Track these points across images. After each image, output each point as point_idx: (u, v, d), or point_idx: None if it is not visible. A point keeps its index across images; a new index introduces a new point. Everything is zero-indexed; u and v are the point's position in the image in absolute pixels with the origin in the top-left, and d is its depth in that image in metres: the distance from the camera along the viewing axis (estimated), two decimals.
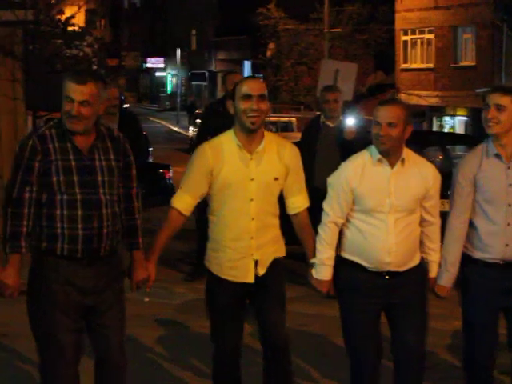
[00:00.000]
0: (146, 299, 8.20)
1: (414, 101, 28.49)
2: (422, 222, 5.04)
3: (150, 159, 15.20)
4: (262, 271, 5.04)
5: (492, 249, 4.97)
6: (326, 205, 5.03)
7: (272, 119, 24.88)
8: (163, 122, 40.33)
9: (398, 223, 4.96)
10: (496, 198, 4.96)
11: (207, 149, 5.15)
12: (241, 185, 5.03)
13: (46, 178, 4.75)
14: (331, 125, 8.80)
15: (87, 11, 17.21)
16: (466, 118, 27.82)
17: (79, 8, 17.06)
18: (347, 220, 5.04)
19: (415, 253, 5.03)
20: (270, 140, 5.14)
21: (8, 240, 4.80)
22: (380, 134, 4.83)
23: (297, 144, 7.18)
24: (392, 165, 4.90)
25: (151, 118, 41.44)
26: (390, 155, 4.90)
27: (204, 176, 5.07)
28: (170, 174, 15.40)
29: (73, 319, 4.92)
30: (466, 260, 5.04)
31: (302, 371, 6.30)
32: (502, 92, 4.95)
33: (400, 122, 4.90)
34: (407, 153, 4.96)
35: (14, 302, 5.27)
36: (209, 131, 8.84)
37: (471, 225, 5.01)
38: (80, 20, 15.33)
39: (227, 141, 5.03)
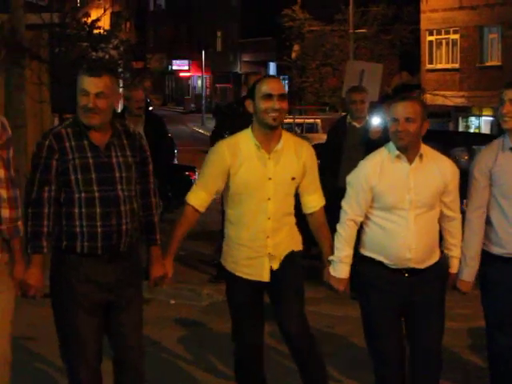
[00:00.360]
0: (172, 301, 8.23)
1: (439, 101, 28.51)
2: (443, 217, 5.05)
3: (176, 161, 15.21)
4: (276, 266, 5.11)
5: (509, 244, 5.00)
6: (344, 203, 5.05)
7: (298, 121, 25.14)
8: (188, 124, 40.28)
9: (418, 219, 4.95)
10: (510, 191, 5.04)
11: (225, 147, 5.15)
12: (258, 184, 5.05)
13: (64, 177, 4.75)
14: (357, 125, 8.81)
15: (113, 14, 17.29)
16: (491, 119, 27.23)
17: (105, 11, 17.31)
18: (367, 217, 5.05)
19: (435, 249, 5.03)
20: (287, 139, 5.13)
21: (30, 240, 4.77)
22: (398, 130, 4.84)
23: (323, 145, 7.31)
24: (410, 161, 4.91)
25: (176, 120, 41.47)
26: (408, 151, 4.90)
27: (220, 174, 5.08)
28: (196, 175, 15.17)
29: (94, 316, 4.94)
30: (485, 256, 5.06)
31: (328, 372, 5.99)
32: None
33: (417, 118, 4.91)
34: (424, 148, 4.97)
35: (41, 304, 5.29)
36: (225, 130, 9.37)
37: (488, 220, 5.02)
38: (106, 23, 15.47)
39: (245, 140, 5.02)
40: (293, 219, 5.23)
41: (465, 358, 6.57)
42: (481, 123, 28.08)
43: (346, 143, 8.76)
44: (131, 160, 4.92)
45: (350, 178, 5.14)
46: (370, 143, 7.31)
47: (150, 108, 13.30)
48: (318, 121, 25.58)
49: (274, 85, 5.26)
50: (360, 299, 5.23)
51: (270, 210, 5.05)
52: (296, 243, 5.21)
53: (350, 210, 5.03)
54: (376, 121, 8.65)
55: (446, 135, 14.30)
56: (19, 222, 4.81)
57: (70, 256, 4.83)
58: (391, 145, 4.98)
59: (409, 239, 4.95)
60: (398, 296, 5.03)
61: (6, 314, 4.89)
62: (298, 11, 34.00)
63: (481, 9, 28.65)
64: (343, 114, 10.34)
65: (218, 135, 9.36)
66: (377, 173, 5.05)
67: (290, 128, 25.23)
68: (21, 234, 4.84)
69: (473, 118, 27.59)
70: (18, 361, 6.71)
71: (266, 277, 5.10)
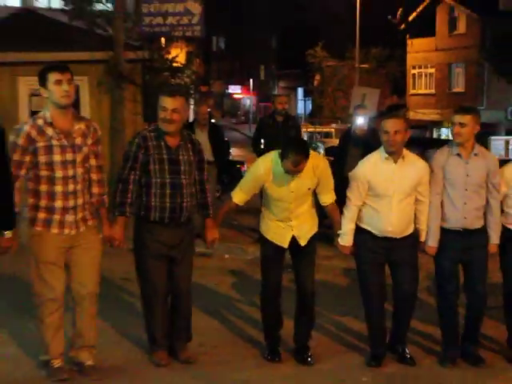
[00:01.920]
0: (227, 256, 8.42)
1: (419, 117, 31.46)
2: (417, 201, 5.21)
3: (230, 157, 15.37)
4: (303, 240, 5.24)
5: (452, 220, 5.19)
6: (349, 192, 5.24)
7: (318, 130, 27.93)
8: (240, 131, 40.66)
9: (399, 203, 5.13)
10: (456, 184, 5.15)
11: (262, 168, 5.21)
12: (283, 195, 5.18)
13: (146, 167, 4.99)
14: (358, 132, 9.03)
15: (187, 52, 17.29)
16: None
17: (181, 50, 17.99)
18: (364, 202, 5.26)
19: (410, 224, 5.23)
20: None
21: (117, 206, 5.05)
22: (390, 140, 4.99)
23: (336, 147, 7.12)
24: (395, 161, 5.08)
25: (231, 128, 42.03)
26: (395, 155, 5.06)
27: (257, 184, 5.25)
28: (245, 167, 15.88)
29: (161, 265, 5.15)
30: (441, 229, 5.29)
31: (328, 308, 6.49)
32: (464, 112, 5.17)
33: (402, 130, 5.02)
34: (405, 152, 5.12)
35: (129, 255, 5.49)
36: (261, 136, 9.67)
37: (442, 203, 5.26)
38: (182, 58, 17.84)
39: (276, 165, 5.08)
40: (310, 207, 5.31)
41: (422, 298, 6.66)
42: (449, 133, 28.48)
43: (350, 145, 8.85)
44: (192, 158, 5.13)
45: (353, 174, 5.29)
46: (366, 146, 7.21)
47: (213, 120, 13.19)
48: (332, 130, 27.75)
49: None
50: (355, 257, 5.43)
51: (293, 208, 5.21)
52: (314, 225, 5.35)
53: (353, 197, 5.24)
54: (360, 121, 8.82)
55: (423, 141, 13.98)
56: (105, 197, 4.96)
57: (146, 223, 5.09)
58: (382, 149, 5.15)
59: (391, 217, 5.14)
60: (380, 254, 5.22)
61: (96, 260, 4.98)
62: (318, 51, 37.80)
63: (450, 51, 32.29)
64: (349, 125, 10.96)
65: (255, 139, 9.84)
66: (371, 170, 5.21)
67: (313, 135, 24.98)
68: (106, 205, 5.00)
69: (443, 129, 30.69)
70: (117, 295, 6.96)
71: (286, 244, 5.28)
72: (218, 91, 44.99)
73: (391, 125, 4.96)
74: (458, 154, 5.04)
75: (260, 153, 8.70)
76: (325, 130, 28.10)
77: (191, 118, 10.18)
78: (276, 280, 5.36)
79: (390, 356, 5.33)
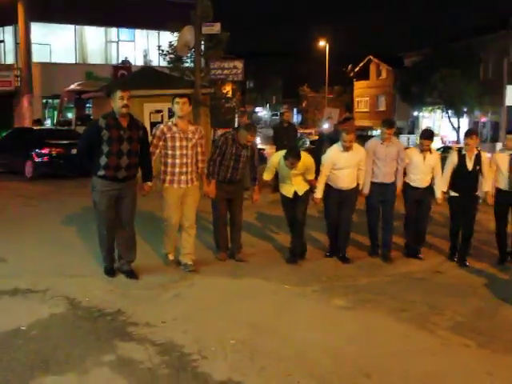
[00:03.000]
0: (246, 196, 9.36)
1: (361, 123, 40.05)
2: (358, 169, 7.49)
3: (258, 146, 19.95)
4: (300, 193, 7.36)
5: (379, 177, 7.69)
6: (322, 168, 7.50)
7: (305, 131, 40.86)
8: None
9: (348, 172, 7.47)
10: (381, 158, 7.59)
11: (275, 160, 7.33)
12: (286, 175, 7.31)
13: (222, 154, 7.11)
14: (326, 132, 12.95)
15: (233, 89, 22.22)
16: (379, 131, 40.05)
17: (230, 87, 26.12)
18: (330, 172, 7.41)
19: (354, 182, 7.60)
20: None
21: (211, 174, 7.15)
22: (347, 146, 7.30)
23: (315, 140, 10.57)
24: (347, 151, 7.42)
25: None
26: (349, 148, 7.37)
27: (274, 169, 7.35)
28: (265, 152, 20.62)
29: (224, 202, 7.28)
30: (371, 183, 7.66)
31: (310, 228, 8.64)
32: (388, 125, 7.60)
33: (354, 132, 7.58)
34: (354, 144, 7.40)
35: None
36: (276, 135, 13.52)
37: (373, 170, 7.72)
38: (230, 91, 25.63)
39: (282, 160, 7.22)
40: (301, 178, 7.34)
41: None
42: (377, 133, 35.63)
43: (323, 140, 11.80)
44: (249, 153, 7.19)
45: (325, 157, 7.63)
46: (332, 140, 8.95)
47: None
48: (313, 131, 41.07)
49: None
50: (324, 202, 7.68)
51: (292, 179, 7.28)
52: (305, 185, 7.46)
53: (325, 170, 7.53)
54: (328, 126, 13.83)
55: (364, 136, 17.92)
56: (205, 168, 7.09)
57: (219, 182, 7.18)
58: (340, 143, 7.49)
59: (344, 179, 7.47)
60: (337, 198, 7.47)
61: (195, 204, 6.96)
62: (305, 88, 61.52)
63: (377, 88, 50.12)
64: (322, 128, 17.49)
65: (274, 137, 13.91)
66: (335, 156, 7.46)
67: (302, 134, 30.87)
68: (205, 172, 7.12)
69: (374, 131, 36.26)
70: (199, 222, 8.19)
71: (290, 196, 7.43)
72: (249, 110, 61.70)
73: (348, 138, 7.17)
74: (382, 143, 7.55)
75: (276, 144, 13.15)
76: (308, 131, 42.68)
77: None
78: (290, 215, 7.45)
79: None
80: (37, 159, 15.48)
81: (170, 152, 6.60)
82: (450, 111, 35.34)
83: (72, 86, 23.85)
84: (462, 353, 4.89)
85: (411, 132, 42.13)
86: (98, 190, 6.21)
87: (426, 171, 7.77)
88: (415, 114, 42.93)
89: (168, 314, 5.38)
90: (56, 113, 26.21)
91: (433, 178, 7.87)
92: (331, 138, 10.41)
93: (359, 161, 7.39)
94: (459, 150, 7.93)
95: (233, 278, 6.71)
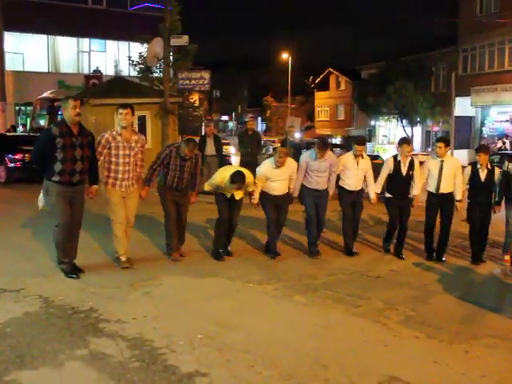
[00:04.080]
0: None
1: (322, 132, 44.62)
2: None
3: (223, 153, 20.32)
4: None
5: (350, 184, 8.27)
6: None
7: (269, 138, 39.20)
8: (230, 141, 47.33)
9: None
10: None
11: (220, 179, 7.38)
12: (229, 190, 7.46)
13: (167, 165, 7.27)
14: (291, 139, 14.79)
15: (200, 98, 22.59)
16: (340, 139, 44.91)
17: (197, 96, 28.79)
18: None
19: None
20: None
21: (147, 180, 7.21)
22: (320, 152, 7.90)
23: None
24: (319, 159, 7.96)
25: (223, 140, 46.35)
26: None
27: (217, 186, 7.54)
28: (230, 159, 20.23)
29: (174, 206, 7.33)
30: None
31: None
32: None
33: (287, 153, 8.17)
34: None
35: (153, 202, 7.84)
36: (240, 143, 13.33)
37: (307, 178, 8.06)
38: (197, 100, 20.91)
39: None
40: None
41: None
42: (337, 141, 43.59)
43: (285, 147, 12.52)
44: (193, 164, 7.42)
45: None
46: (296, 147, 12.07)
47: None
48: (276, 139, 38.29)
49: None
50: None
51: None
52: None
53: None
54: (296, 136, 14.99)
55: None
56: (142, 173, 7.11)
57: (165, 187, 7.38)
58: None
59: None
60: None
61: (135, 204, 7.06)
62: (269, 98, 63.06)
63: (337, 98, 51.14)
64: (285, 136, 16.25)
65: (239, 144, 13.68)
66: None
67: (266, 141, 31.14)
68: (142, 178, 7.17)
69: (334, 139, 43.35)
70: (142, 225, 8.81)
71: (228, 196, 7.53)
72: (216, 119, 65.10)
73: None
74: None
75: (241, 151, 13.25)
76: (272, 138, 41.51)
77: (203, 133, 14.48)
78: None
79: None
80: (10, 164, 15.21)
81: (113, 159, 6.76)
82: (404, 121, 36.04)
83: (45, 94, 23.73)
84: (412, 343, 5.06)
85: (368, 140, 42.46)
86: (53, 194, 6.25)
87: (359, 175, 8.17)
88: (372, 123, 43.52)
89: (138, 312, 5.42)
90: (29, 120, 25.94)
91: (365, 181, 8.32)
92: (295, 145, 11.23)
93: (331, 166, 7.84)
94: (395, 157, 8.31)
95: (199, 277, 6.76)
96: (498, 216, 8.25)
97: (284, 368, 4.39)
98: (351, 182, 8.19)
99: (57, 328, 4.96)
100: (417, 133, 36.69)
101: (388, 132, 41.73)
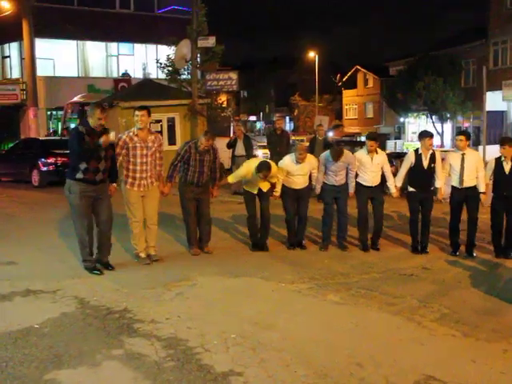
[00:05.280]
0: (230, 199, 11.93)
1: (350, 130, 46.62)
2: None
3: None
4: (264, 189, 7.85)
5: (367, 179, 8.38)
6: (318, 169, 8.25)
7: (297, 138, 36.47)
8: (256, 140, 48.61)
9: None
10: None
11: (246, 171, 7.73)
12: (254, 181, 7.76)
13: (187, 160, 7.53)
14: (320, 138, 13.68)
15: (228, 99, 22.47)
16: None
17: (225, 97, 27.94)
18: (325, 172, 8.16)
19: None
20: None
21: (169, 177, 7.46)
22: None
23: (307, 146, 11.29)
24: (336, 161, 8.15)
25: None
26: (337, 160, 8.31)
27: (242, 178, 7.93)
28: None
29: (192, 203, 7.62)
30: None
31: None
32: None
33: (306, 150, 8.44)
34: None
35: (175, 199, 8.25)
36: (269, 142, 13.92)
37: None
38: (225, 101, 21.26)
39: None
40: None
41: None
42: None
43: (316, 145, 13.30)
44: (212, 159, 7.65)
45: (320, 159, 8.29)
46: (324, 146, 10.97)
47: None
48: (304, 138, 35.98)
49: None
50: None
51: (259, 183, 7.77)
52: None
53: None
54: (321, 133, 13.84)
55: (352, 142, 21.52)
56: (162, 171, 7.28)
57: (186, 184, 7.60)
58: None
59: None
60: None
61: (156, 201, 7.26)
62: (296, 97, 59.45)
63: (365, 96, 49.83)
64: (313, 135, 15.93)
65: (268, 143, 14.34)
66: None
67: (294, 140, 31.72)
68: (163, 175, 7.33)
69: (362, 137, 39.39)
70: (173, 225, 9.67)
71: (255, 192, 7.95)
72: (244, 119, 64.43)
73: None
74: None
75: (271, 150, 13.53)
76: (301, 137, 41.27)
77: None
78: (254, 210, 7.87)
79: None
80: (43, 168, 15.56)
81: (131, 159, 6.97)
82: (434, 117, 35.64)
83: (75, 98, 24.08)
84: (448, 342, 4.99)
85: (398, 137, 42.66)
86: (76, 193, 6.37)
87: (376, 170, 8.20)
88: (401, 120, 42.96)
89: (172, 312, 5.46)
90: (60, 124, 26.26)
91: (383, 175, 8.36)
92: (325, 144, 12.12)
93: (348, 164, 7.95)
94: (416, 150, 8.31)
95: (232, 277, 6.78)
96: None
97: (319, 367, 4.36)
98: (368, 178, 8.24)
99: (93, 328, 5.03)
100: (447, 129, 36.15)
101: (418, 129, 40.36)
